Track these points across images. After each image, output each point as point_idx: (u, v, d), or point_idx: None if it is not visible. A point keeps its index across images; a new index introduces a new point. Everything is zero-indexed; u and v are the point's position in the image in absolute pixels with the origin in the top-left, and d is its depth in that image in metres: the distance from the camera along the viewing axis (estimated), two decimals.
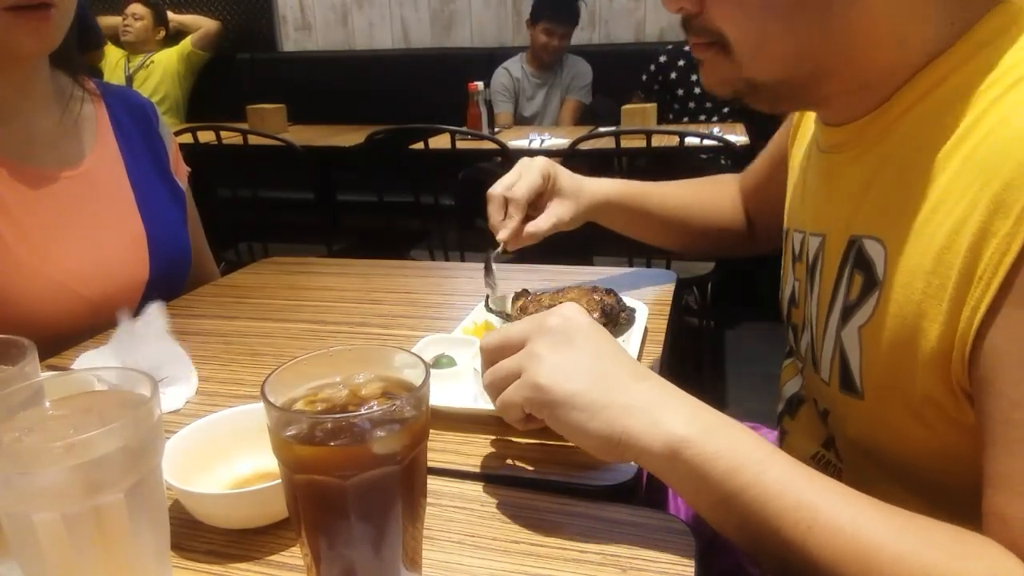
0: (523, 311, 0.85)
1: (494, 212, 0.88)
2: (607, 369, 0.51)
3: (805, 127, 0.75)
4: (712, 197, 1.00)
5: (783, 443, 0.75)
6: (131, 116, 1.06)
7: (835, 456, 0.65)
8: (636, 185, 0.97)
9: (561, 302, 0.83)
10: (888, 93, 0.56)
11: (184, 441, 0.56)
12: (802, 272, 0.67)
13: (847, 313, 0.57)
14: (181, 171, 1.13)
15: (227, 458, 0.57)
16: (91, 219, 0.95)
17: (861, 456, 0.61)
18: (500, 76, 3.35)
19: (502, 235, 0.87)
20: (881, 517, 0.44)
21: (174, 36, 3.80)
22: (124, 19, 3.66)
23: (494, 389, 0.54)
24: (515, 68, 3.39)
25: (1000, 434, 0.44)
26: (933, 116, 0.52)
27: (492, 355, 0.55)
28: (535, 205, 0.89)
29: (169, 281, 1.03)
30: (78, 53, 1.01)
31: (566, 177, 0.91)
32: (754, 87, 0.58)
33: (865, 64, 0.55)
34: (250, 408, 0.59)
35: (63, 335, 0.86)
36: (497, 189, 0.88)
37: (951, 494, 0.49)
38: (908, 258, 0.51)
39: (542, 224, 0.88)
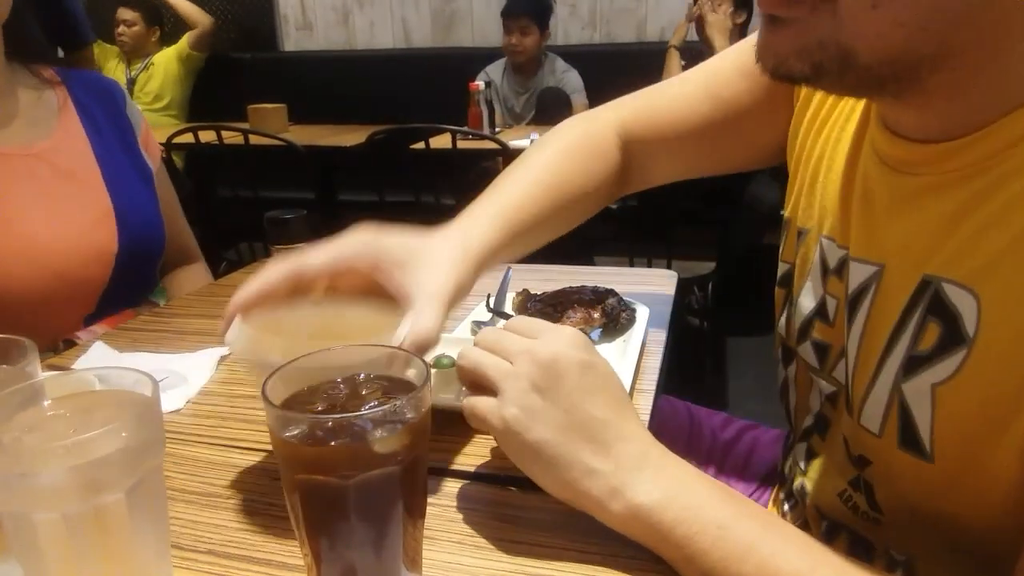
0: (523, 311, 0.85)
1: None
2: (579, 426, 0.48)
3: (832, 118, 0.64)
4: (582, 171, 0.78)
5: (810, 463, 0.69)
6: (96, 98, 1.08)
7: (866, 502, 0.59)
8: (510, 214, 0.69)
9: (561, 302, 0.84)
10: (996, 112, 0.45)
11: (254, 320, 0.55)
12: (838, 291, 0.59)
13: (914, 364, 0.49)
14: (153, 150, 1.15)
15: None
16: (56, 194, 0.97)
17: (908, 512, 0.56)
18: (479, 81, 3.31)
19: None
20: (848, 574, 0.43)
21: (171, 33, 3.77)
22: (117, 27, 3.63)
23: (468, 382, 0.52)
24: (495, 73, 3.35)
25: None
26: None
27: (488, 347, 0.53)
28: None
29: (141, 255, 1.05)
30: (33, 40, 1.03)
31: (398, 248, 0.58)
32: (847, 63, 0.44)
33: (996, 68, 0.44)
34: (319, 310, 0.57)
35: (34, 307, 0.88)
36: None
37: (1000, 560, 0.46)
38: (1013, 319, 0.43)
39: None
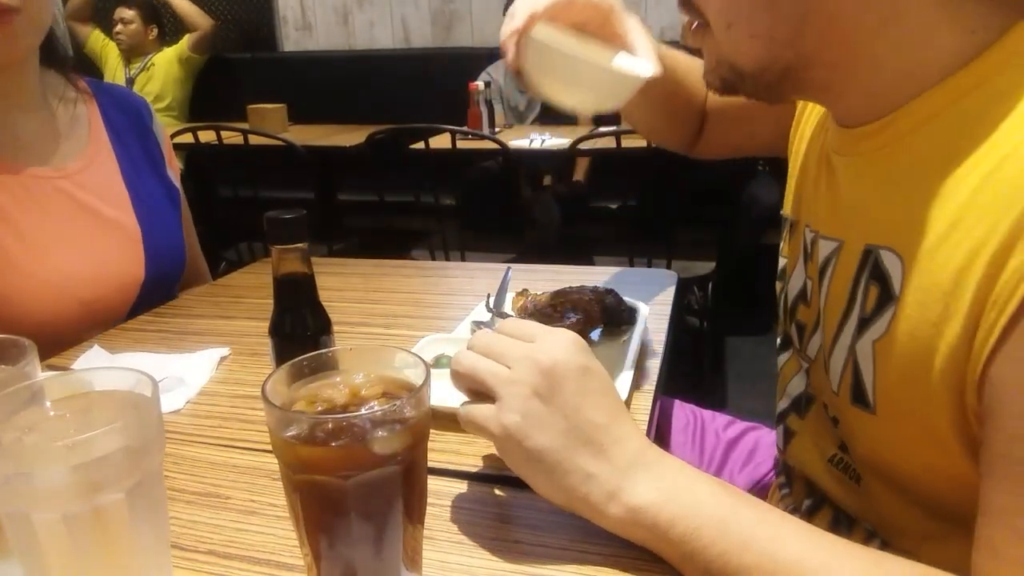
0: (523, 311, 0.85)
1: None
2: (578, 430, 0.49)
3: (813, 115, 0.71)
4: (694, 80, 0.92)
5: (789, 444, 0.73)
6: (124, 115, 1.06)
7: (853, 459, 0.63)
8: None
9: (561, 302, 0.84)
10: (897, 102, 0.52)
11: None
12: (814, 272, 0.64)
13: (862, 325, 0.54)
14: (175, 169, 1.13)
15: None
16: (86, 220, 0.95)
17: (870, 469, 0.59)
18: (480, 82, 3.28)
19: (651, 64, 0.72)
20: (850, 562, 0.44)
21: (171, 32, 3.77)
22: (115, 26, 3.62)
23: (464, 388, 0.52)
24: (497, 72, 3.33)
25: (997, 467, 0.43)
26: (948, 135, 0.49)
27: (483, 352, 0.52)
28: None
29: (164, 281, 1.03)
30: (68, 53, 0.99)
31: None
32: (739, 74, 0.56)
33: (866, 64, 0.52)
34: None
35: (57, 335, 0.86)
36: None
37: (963, 517, 0.47)
38: (925, 275, 0.49)
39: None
